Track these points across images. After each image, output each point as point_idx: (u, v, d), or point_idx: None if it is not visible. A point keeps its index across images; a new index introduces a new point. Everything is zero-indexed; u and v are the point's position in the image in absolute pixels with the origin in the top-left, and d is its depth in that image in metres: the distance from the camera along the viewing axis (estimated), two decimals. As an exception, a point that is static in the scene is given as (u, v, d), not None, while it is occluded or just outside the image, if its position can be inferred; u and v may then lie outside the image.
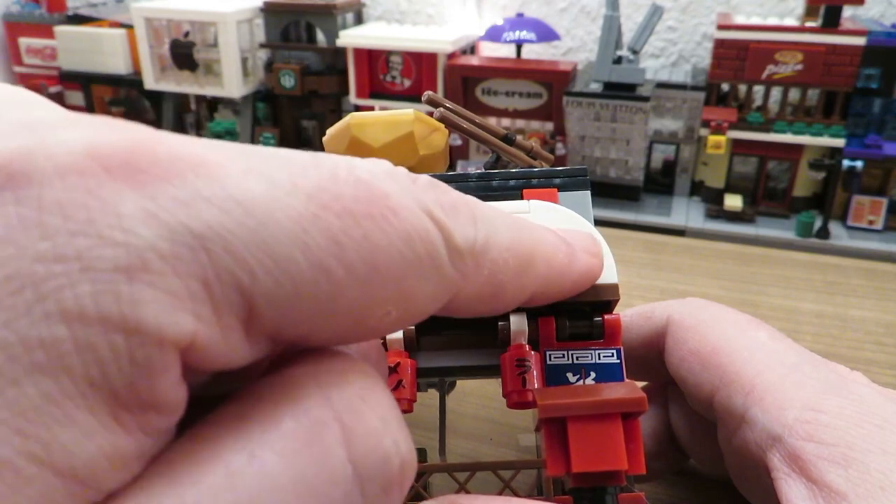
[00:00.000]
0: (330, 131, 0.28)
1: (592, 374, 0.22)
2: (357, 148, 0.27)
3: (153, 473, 0.11)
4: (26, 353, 0.09)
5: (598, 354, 0.22)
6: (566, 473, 0.18)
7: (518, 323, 0.22)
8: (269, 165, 0.12)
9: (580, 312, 0.23)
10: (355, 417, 0.12)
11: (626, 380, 0.22)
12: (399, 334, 0.22)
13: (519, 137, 0.29)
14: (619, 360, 0.22)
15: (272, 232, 0.11)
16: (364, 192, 0.12)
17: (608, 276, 0.23)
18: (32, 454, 0.09)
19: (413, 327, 0.23)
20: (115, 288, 0.10)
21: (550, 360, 0.22)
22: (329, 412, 0.12)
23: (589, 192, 0.25)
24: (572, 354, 0.22)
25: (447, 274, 0.13)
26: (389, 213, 0.12)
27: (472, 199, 0.15)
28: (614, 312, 0.23)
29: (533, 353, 0.22)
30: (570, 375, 0.22)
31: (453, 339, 0.24)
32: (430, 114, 0.28)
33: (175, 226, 0.10)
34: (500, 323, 0.23)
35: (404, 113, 0.27)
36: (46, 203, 0.10)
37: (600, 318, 0.23)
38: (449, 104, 0.28)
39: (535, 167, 0.28)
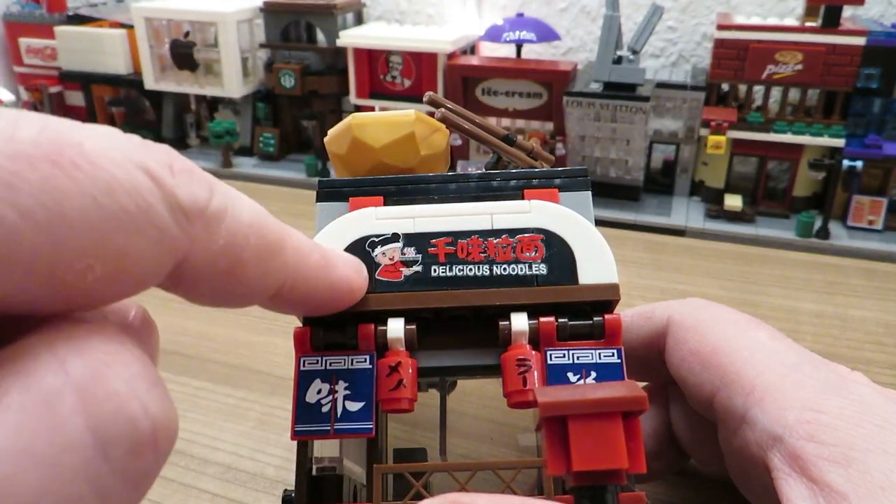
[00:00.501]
0: (331, 132, 0.28)
1: (593, 374, 0.22)
2: (358, 148, 0.27)
3: None
4: None
5: (599, 354, 0.22)
6: (567, 472, 0.18)
7: (519, 322, 0.22)
8: None
9: (581, 312, 0.23)
10: (94, 383, 0.12)
11: (627, 379, 0.22)
12: (400, 333, 0.22)
13: (519, 138, 0.29)
14: (619, 360, 0.22)
15: None
16: (48, 138, 0.12)
17: (608, 276, 0.23)
18: None
19: (413, 326, 0.23)
20: None
21: (551, 359, 0.22)
22: (62, 379, 0.11)
23: (589, 193, 0.25)
24: (573, 354, 0.22)
25: (169, 232, 0.13)
26: (83, 161, 0.12)
27: (210, 175, 0.15)
28: (615, 312, 0.23)
29: (534, 352, 0.22)
30: (570, 375, 0.22)
31: (454, 339, 0.24)
32: (431, 114, 0.28)
33: None
34: (501, 322, 0.23)
35: (405, 113, 0.27)
36: None
37: (601, 318, 0.23)
38: (450, 104, 0.28)
39: (536, 167, 0.28)
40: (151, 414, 0.12)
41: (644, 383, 0.32)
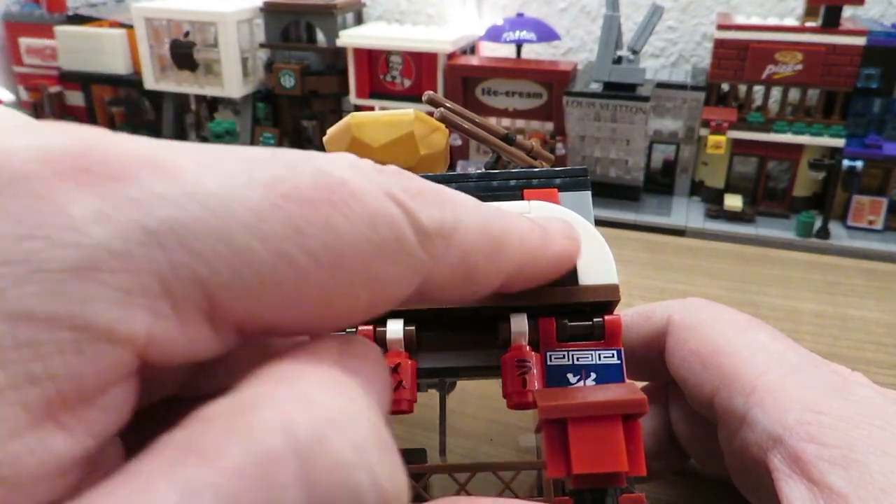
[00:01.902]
0: (330, 131, 0.28)
1: (593, 375, 0.22)
2: (357, 148, 0.27)
3: (95, 492, 0.10)
4: None
5: (599, 355, 0.22)
6: (567, 474, 0.18)
7: (518, 323, 0.22)
8: (225, 161, 0.12)
9: (580, 313, 0.23)
10: (319, 448, 0.10)
11: (627, 381, 0.22)
12: (399, 334, 0.22)
13: (519, 137, 0.29)
14: (619, 361, 0.22)
15: (228, 224, 0.11)
16: (323, 180, 0.12)
17: (608, 276, 0.23)
18: None
19: (413, 328, 0.23)
20: (62, 287, 0.10)
21: (551, 360, 0.22)
22: (285, 442, 0.10)
23: (589, 193, 0.25)
24: (573, 355, 0.22)
25: (416, 255, 0.14)
26: (350, 198, 0.12)
27: (440, 186, 0.15)
28: (615, 313, 0.23)
29: (533, 353, 0.22)
30: (570, 376, 0.22)
31: (454, 340, 0.24)
32: (431, 114, 0.28)
33: (127, 224, 0.10)
34: (500, 324, 0.23)
35: (405, 113, 0.27)
36: None
37: (601, 319, 0.23)
38: (449, 104, 0.28)
39: (536, 167, 0.28)
40: (380, 486, 0.11)
41: (644, 383, 0.32)
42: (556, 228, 0.19)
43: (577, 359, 0.22)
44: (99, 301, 0.10)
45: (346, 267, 0.12)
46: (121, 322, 0.10)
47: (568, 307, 0.23)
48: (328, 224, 0.12)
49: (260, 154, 0.12)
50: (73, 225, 0.10)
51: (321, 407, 0.11)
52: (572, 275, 0.23)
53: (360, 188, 0.13)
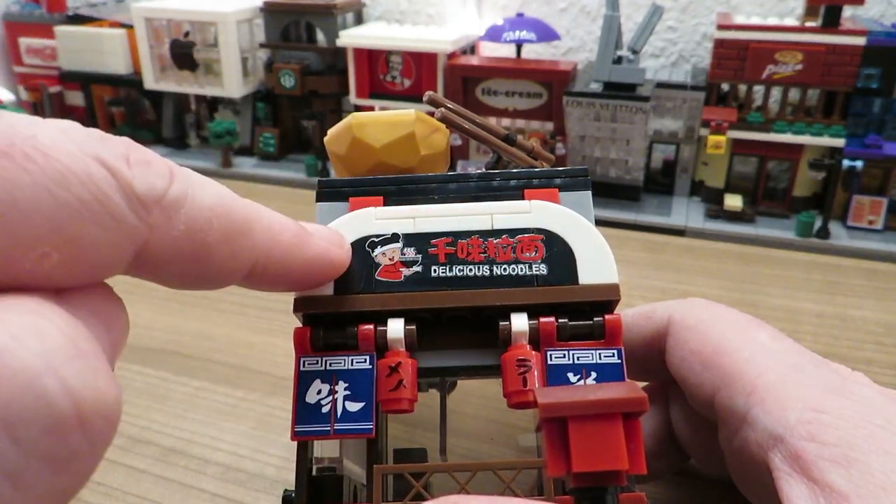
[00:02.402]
0: (331, 131, 0.28)
1: (593, 374, 0.22)
2: (358, 148, 0.27)
3: None
4: None
5: (599, 354, 0.22)
6: (567, 473, 0.18)
7: (519, 323, 0.22)
8: None
9: (581, 312, 0.23)
10: (2, 357, 0.11)
11: (627, 380, 0.22)
12: (400, 334, 0.22)
13: (519, 137, 0.29)
14: (619, 361, 0.22)
15: None
16: (5, 131, 0.12)
17: (609, 276, 0.23)
18: None
19: (413, 327, 0.23)
20: None
21: (551, 359, 0.22)
22: None
23: (590, 193, 0.25)
24: (573, 354, 0.22)
25: (126, 221, 0.13)
26: (35, 153, 0.12)
27: (180, 167, 0.15)
28: (615, 312, 0.23)
29: (534, 352, 0.22)
30: (570, 375, 0.22)
31: (454, 339, 0.24)
32: (431, 114, 0.28)
33: None
34: (501, 323, 0.23)
35: (405, 113, 0.27)
36: None
37: (601, 319, 0.23)
38: (450, 104, 0.28)
39: (536, 167, 0.28)
40: (72, 389, 0.11)
41: (644, 383, 0.32)
42: (321, 233, 0.20)
43: (578, 358, 0.22)
44: None
45: (25, 220, 0.12)
46: None
47: (568, 306, 0.23)
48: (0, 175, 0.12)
49: None
50: None
51: (5, 322, 0.11)
52: (572, 274, 0.23)
53: (54, 146, 0.13)
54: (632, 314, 0.29)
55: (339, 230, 0.21)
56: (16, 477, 0.11)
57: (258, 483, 0.36)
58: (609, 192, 0.72)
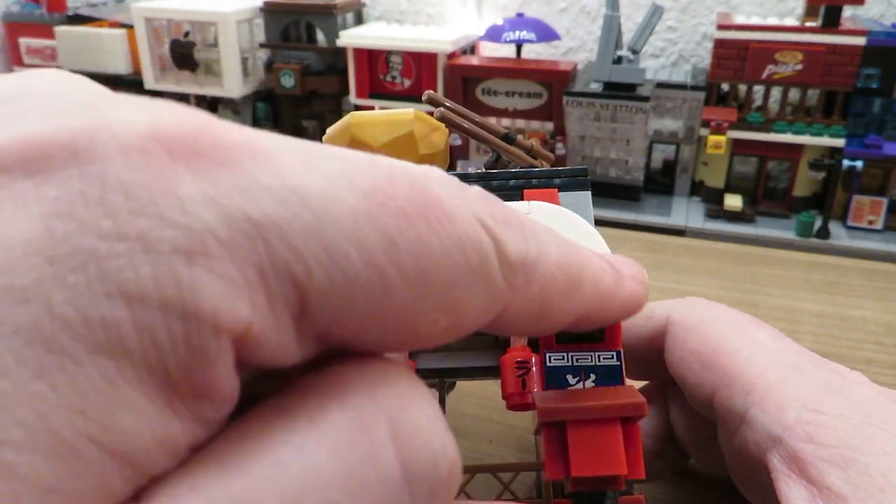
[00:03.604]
0: (330, 130, 0.28)
1: (592, 377, 0.22)
2: (357, 147, 0.27)
3: (199, 460, 0.10)
4: (88, 332, 0.09)
5: (598, 356, 0.22)
6: (565, 477, 0.18)
7: (518, 324, 0.22)
8: (326, 161, 0.12)
9: (580, 313, 0.23)
10: (403, 416, 0.11)
11: (626, 383, 0.22)
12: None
13: (519, 137, 0.29)
14: (619, 362, 0.22)
15: (328, 226, 0.11)
16: (419, 195, 0.12)
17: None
18: (92, 436, 0.09)
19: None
20: (174, 270, 0.10)
21: (550, 361, 0.22)
22: (376, 408, 0.11)
23: (589, 193, 0.25)
24: (572, 356, 0.22)
25: (498, 286, 0.13)
26: (444, 217, 0.12)
27: (521, 214, 0.15)
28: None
29: (533, 354, 0.22)
30: (569, 377, 0.22)
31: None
32: (431, 113, 0.28)
33: (234, 212, 0.10)
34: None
35: (404, 112, 0.27)
36: (110, 181, 0.10)
37: (600, 320, 0.23)
38: (449, 103, 0.28)
39: (536, 166, 0.28)
40: (449, 454, 0.12)
41: (643, 383, 0.32)
42: (628, 271, 0.19)
43: (577, 360, 0.22)
44: (207, 287, 0.10)
45: (432, 287, 0.12)
46: (226, 312, 0.10)
47: None
48: (420, 239, 0.12)
49: (360, 158, 0.12)
50: (182, 206, 0.10)
51: (399, 385, 0.12)
52: None
53: (453, 208, 0.12)
54: (631, 314, 0.29)
55: (638, 263, 0.20)
56: None
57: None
58: (609, 192, 0.72)
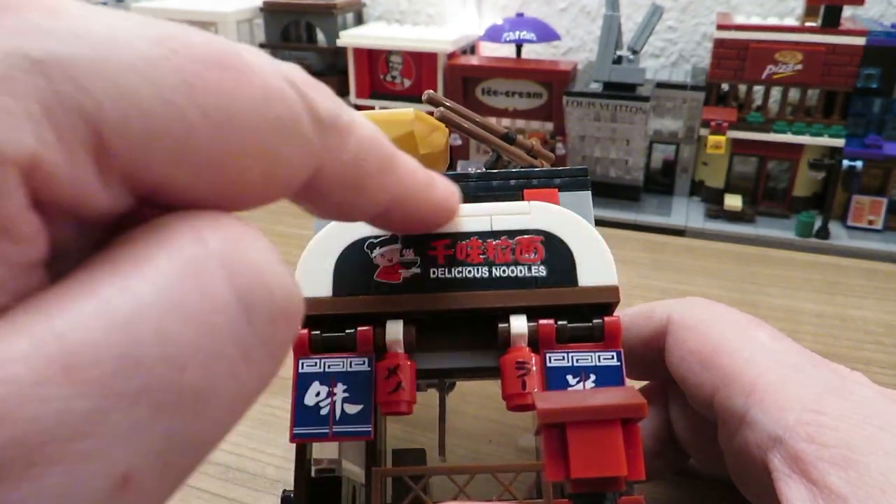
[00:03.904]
0: (330, 131, 0.28)
1: (592, 377, 0.22)
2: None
3: (22, 308, 0.11)
4: None
5: (599, 357, 0.22)
6: (565, 478, 0.18)
7: (518, 325, 0.22)
8: (118, 16, 0.12)
9: (580, 314, 0.23)
10: (234, 255, 0.12)
11: (627, 383, 0.22)
12: (399, 336, 0.22)
13: (519, 137, 0.29)
14: (619, 363, 0.22)
15: (116, 64, 0.11)
16: (217, 48, 0.12)
17: (608, 278, 0.23)
18: None
19: (412, 329, 0.23)
20: None
21: (550, 362, 0.22)
22: (205, 250, 0.12)
23: (590, 193, 0.25)
24: (572, 357, 0.22)
25: (310, 139, 0.14)
26: (245, 67, 0.13)
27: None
28: (614, 314, 0.23)
29: (533, 355, 0.22)
30: (570, 378, 0.22)
31: (453, 341, 0.24)
32: (431, 113, 0.28)
33: (11, 50, 0.11)
34: (500, 325, 0.23)
35: (404, 112, 0.27)
36: None
37: (600, 321, 0.23)
38: (449, 103, 0.28)
39: (536, 166, 0.28)
40: (285, 285, 0.13)
41: (643, 383, 0.32)
42: (442, 181, 0.20)
43: (577, 360, 0.22)
44: None
45: (237, 133, 0.12)
46: (5, 142, 0.10)
47: (567, 308, 0.23)
48: (220, 85, 0.12)
49: (158, 21, 0.13)
50: None
51: (229, 227, 0.12)
52: (572, 276, 0.23)
53: (256, 64, 0.13)
54: (631, 314, 0.29)
55: (450, 181, 0.21)
56: (249, 359, 0.12)
57: (258, 483, 0.36)
58: (609, 192, 0.72)
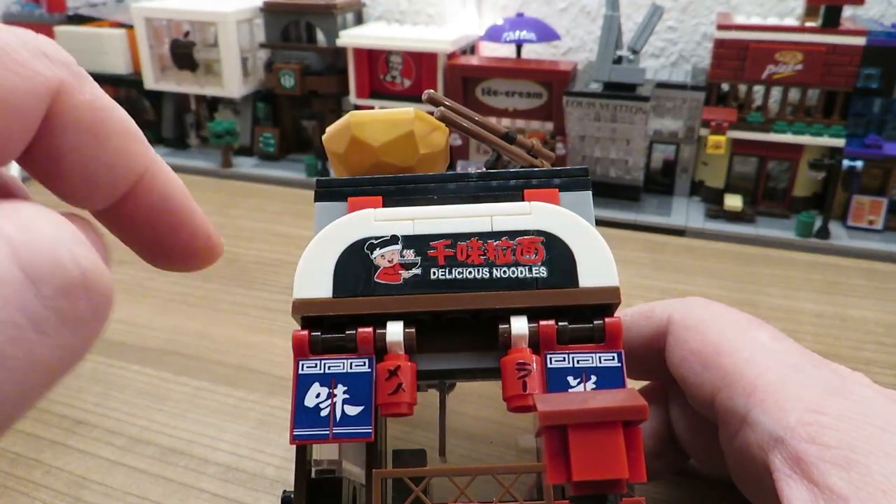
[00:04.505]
0: (330, 129, 0.28)
1: (593, 378, 0.22)
2: (357, 147, 0.27)
3: None
4: None
5: (599, 358, 0.22)
6: (566, 481, 0.18)
7: (519, 326, 0.22)
8: None
9: (581, 316, 0.23)
10: (24, 234, 0.13)
11: (628, 385, 0.22)
12: (399, 337, 0.22)
13: (519, 136, 0.29)
14: (619, 364, 0.22)
15: None
16: None
17: (609, 279, 0.23)
18: None
19: (413, 330, 0.23)
20: None
21: (551, 363, 0.22)
22: None
23: (590, 193, 0.25)
24: (573, 358, 0.22)
25: (37, 68, 0.15)
26: None
27: None
28: (615, 315, 0.23)
29: (534, 356, 0.22)
30: (570, 379, 0.22)
31: (454, 342, 0.23)
32: (431, 113, 0.28)
33: None
34: (500, 326, 0.23)
35: (405, 111, 0.27)
36: None
37: (601, 322, 0.23)
38: (449, 103, 0.28)
39: (537, 165, 0.28)
40: (80, 262, 0.13)
41: (644, 383, 0.32)
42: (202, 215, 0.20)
43: (578, 361, 0.22)
44: None
45: None
46: None
47: (568, 309, 0.23)
48: None
49: None
50: None
51: (23, 213, 0.13)
52: (572, 277, 0.23)
53: None
54: (631, 314, 0.29)
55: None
56: (38, 324, 0.13)
57: (258, 483, 0.36)
58: (609, 192, 0.72)
